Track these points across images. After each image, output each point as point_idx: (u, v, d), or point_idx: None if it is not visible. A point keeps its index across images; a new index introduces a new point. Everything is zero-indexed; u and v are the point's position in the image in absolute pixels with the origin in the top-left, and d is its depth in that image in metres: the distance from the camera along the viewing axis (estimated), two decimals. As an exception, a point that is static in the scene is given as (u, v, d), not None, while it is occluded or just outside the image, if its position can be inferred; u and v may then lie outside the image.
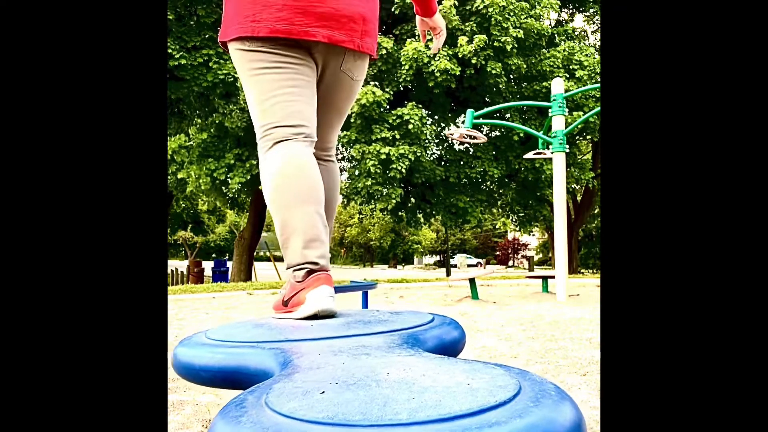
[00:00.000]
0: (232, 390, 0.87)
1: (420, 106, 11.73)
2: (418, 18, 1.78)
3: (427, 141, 12.50)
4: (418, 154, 11.61)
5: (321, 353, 0.78)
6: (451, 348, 0.97)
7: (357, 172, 11.88)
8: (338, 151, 14.60)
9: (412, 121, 11.28)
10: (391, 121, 11.42)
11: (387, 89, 11.50)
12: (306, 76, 1.42)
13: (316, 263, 1.29)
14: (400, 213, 14.08)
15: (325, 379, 0.61)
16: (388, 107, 12.09)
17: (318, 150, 1.53)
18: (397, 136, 11.36)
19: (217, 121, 11.05)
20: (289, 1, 1.35)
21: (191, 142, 12.17)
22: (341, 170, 15.41)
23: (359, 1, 1.44)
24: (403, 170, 11.26)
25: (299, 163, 1.36)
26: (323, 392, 0.56)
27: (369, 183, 11.31)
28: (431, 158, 13.63)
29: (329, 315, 1.24)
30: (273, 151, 1.38)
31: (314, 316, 1.22)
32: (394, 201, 11.75)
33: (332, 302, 1.26)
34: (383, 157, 11.01)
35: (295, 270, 1.30)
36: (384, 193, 11.68)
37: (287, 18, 1.35)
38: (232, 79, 10.34)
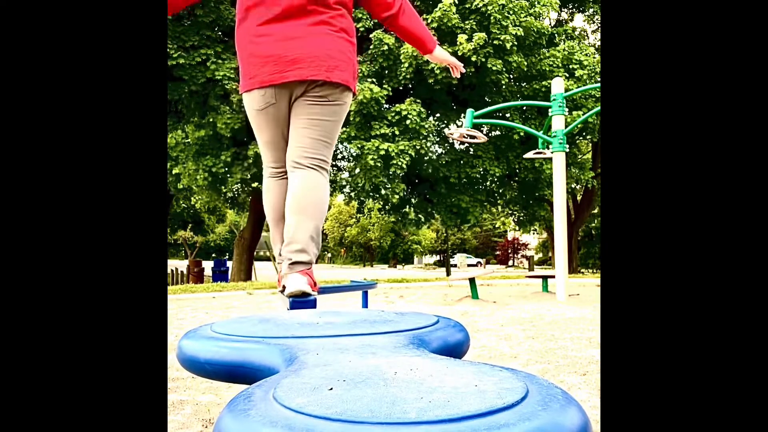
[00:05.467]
0: (232, 389, 0.87)
1: (418, 101, 11.72)
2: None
3: (427, 136, 12.46)
4: (418, 148, 11.59)
5: (327, 351, 0.79)
6: (455, 350, 0.97)
7: (358, 170, 11.86)
8: (337, 149, 14.59)
9: (411, 116, 11.26)
10: (389, 117, 11.41)
11: (386, 86, 11.47)
12: (271, 119, 1.87)
13: None
14: (404, 210, 14.08)
15: (333, 377, 0.62)
16: (386, 104, 12.06)
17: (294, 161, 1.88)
18: (397, 132, 11.34)
19: (211, 120, 11.05)
20: (251, 59, 1.80)
21: (188, 140, 12.14)
22: (341, 169, 15.42)
23: (289, 43, 1.77)
24: (404, 166, 11.23)
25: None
26: (331, 389, 0.57)
27: (371, 175, 11.27)
28: (434, 156, 13.63)
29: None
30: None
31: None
32: (398, 195, 11.72)
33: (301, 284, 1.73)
34: (382, 152, 10.98)
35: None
36: (387, 184, 11.64)
37: (249, 74, 1.81)
38: (227, 81, 10.36)
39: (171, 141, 12.26)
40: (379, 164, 11.03)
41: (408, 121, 11.24)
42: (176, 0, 1.76)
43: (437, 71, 11.02)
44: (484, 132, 14.02)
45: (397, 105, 11.51)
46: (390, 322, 1.05)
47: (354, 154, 13.11)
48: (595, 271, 24.67)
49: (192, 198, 16.01)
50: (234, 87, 10.50)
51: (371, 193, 12.26)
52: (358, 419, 0.48)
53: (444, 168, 12.92)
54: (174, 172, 12.39)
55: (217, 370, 0.88)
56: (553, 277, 6.88)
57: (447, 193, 13.14)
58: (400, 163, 11.11)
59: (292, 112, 1.86)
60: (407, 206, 14.09)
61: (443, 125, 13.87)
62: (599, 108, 7.41)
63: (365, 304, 4.47)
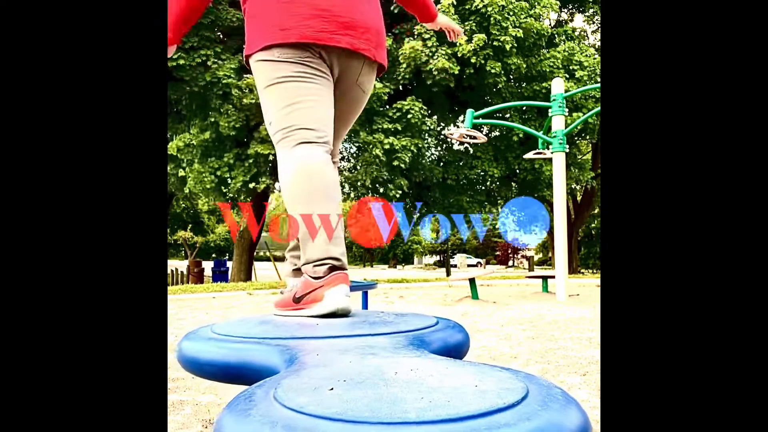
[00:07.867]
0: (232, 390, 0.87)
1: (420, 100, 11.73)
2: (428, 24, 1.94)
3: (427, 134, 12.47)
4: (420, 146, 11.61)
5: (327, 351, 0.79)
6: (455, 351, 0.98)
7: (360, 164, 11.85)
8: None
9: (413, 111, 11.27)
10: (391, 114, 11.42)
11: (386, 84, 11.48)
12: (326, 87, 1.50)
13: (338, 259, 1.32)
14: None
15: (334, 377, 0.62)
16: (387, 101, 12.06)
17: None
18: (399, 128, 11.36)
19: (212, 120, 11.07)
20: (315, 11, 1.44)
21: (193, 141, 12.16)
22: (341, 169, 15.43)
23: (373, 15, 1.56)
24: (407, 160, 11.24)
25: (323, 164, 1.41)
26: (332, 389, 0.57)
27: (372, 169, 11.27)
28: (430, 159, 13.64)
29: (346, 314, 1.26)
30: (297, 151, 1.43)
31: (332, 314, 1.24)
32: (398, 191, 11.72)
33: (348, 301, 1.29)
34: (387, 146, 11.00)
35: (315, 265, 1.31)
36: (388, 179, 11.64)
37: (314, 26, 1.44)
38: (227, 81, 10.38)
39: (180, 143, 12.24)
40: (382, 158, 11.03)
41: (410, 116, 11.24)
42: (181, 24, 1.53)
43: (435, 72, 11.02)
44: (484, 132, 14.03)
45: (399, 102, 11.52)
46: (390, 323, 1.06)
47: (354, 153, 13.10)
48: (595, 271, 24.68)
49: (199, 201, 16.01)
50: (234, 93, 10.53)
51: (370, 189, 12.26)
52: (358, 419, 0.48)
53: (440, 170, 12.93)
54: (180, 174, 12.40)
55: (218, 371, 0.88)
56: (553, 277, 6.88)
57: (442, 198, 13.18)
58: (403, 157, 11.12)
59: (340, 95, 1.58)
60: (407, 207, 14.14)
61: (442, 127, 13.88)
62: (599, 108, 7.41)
63: (365, 305, 4.47)
